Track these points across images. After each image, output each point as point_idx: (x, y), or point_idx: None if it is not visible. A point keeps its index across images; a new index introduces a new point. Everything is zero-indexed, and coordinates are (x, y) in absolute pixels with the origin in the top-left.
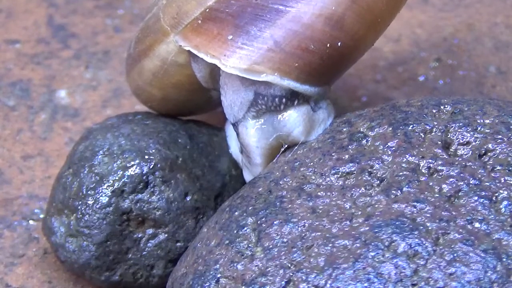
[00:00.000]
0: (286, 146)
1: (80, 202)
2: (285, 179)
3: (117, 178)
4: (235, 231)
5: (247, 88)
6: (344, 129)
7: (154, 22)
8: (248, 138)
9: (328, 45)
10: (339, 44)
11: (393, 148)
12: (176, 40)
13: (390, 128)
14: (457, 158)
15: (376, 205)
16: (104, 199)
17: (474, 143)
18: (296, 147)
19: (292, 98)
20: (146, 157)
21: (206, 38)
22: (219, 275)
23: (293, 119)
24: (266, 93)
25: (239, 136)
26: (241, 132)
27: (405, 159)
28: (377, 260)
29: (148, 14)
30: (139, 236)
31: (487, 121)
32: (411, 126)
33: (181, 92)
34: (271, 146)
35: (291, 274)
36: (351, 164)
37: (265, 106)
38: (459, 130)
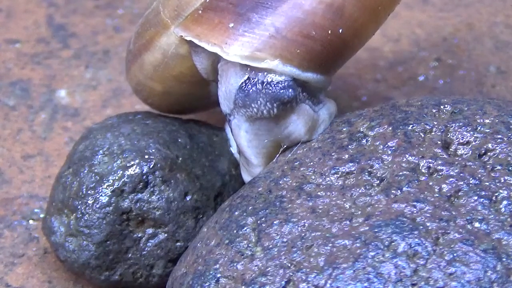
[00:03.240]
0: (285, 146)
1: (80, 202)
2: (285, 178)
3: (117, 177)
4: (235, 231)
5: (238, 74)
6: (344, 129)
7: (154, 16)
8: (240, 138)
9: (329, 31)
10: (340, 31)
11: (393, 148)
12: (177, 31)
13: (390, 128)
14: (457, 158)
15: (376, 205)
16: (104, 199)
17: (474, 143)
18: (296, 147)
19: (287, 102)
20: (146, 156)
21: (207, 27)
22: (219, 275)
23: (294, 122)
24: (265, 80)
25: (232, 132)
26: (234, 129)
27: (405, 159)
28: (377, 260)
29: (148, 9)
30: (139, 235)
31: (487, 120)
32: (411, 125)
33: (182, 85)
34: (267, 146)
35: (291, 274)
36: (351, 164)
37: (256, 110)
38: (459, 130)
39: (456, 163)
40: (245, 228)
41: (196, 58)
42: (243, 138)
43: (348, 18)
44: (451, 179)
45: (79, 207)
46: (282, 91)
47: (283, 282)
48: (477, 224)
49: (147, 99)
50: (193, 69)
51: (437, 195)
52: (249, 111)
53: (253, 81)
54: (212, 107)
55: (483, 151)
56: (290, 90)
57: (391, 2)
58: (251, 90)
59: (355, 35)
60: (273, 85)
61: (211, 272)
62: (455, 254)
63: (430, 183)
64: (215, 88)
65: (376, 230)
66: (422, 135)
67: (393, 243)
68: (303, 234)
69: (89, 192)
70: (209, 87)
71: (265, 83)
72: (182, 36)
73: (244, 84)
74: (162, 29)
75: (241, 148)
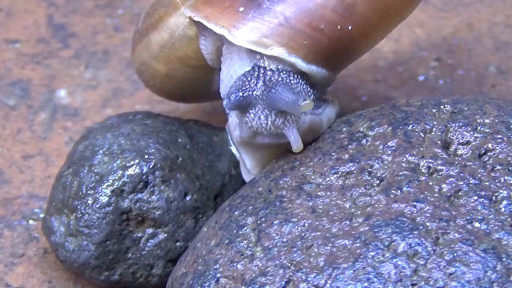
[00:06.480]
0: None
1: (79, 202)
2: (285, 178)
3: (116, 177)
4: (235, 231)
5: (243, 62)
6: (344, 129)
7: None
8: (228, 123)
9: (338, 27)
10: (349, 28)
11: (393, 148)
12: (186, 12)
13: (390, 128)
14: (457, 158)
15: (376, 205)
16: (103, 199)
17: (474, 143)
18: None
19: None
20: (146, 156)
21: (217, 9)
22: (219, 275)
23: (292, 132)
24: (266, 65)
25: (228, 122)
26: (227, 113)
27: (405, 159)
28: (377, 260)
29: None
30: (139, 235)
31: (487, 120)
32: (411, 125)
33: (186, 68)
34: (259, 145)
35: (291, 274)
36: (350, 164)
37: (253, 115)
38: (459, 129)
39: (456, 163)
40: (245, 228)
41: (202, 42)
42: (230, 124)
43: (359, 17)
44: (451, 179)
45: (79, 207)
46: (283, 97)
47: (283, 282)
48: (477, 224)
49: (149, 81)
50: (198, 53)
51: (437, 195)
52: (246, 115)
53: (252, 84)
54: (212, 99)
55: (483, 151)
56: (292, 96)
57: (404, 7)
58: (253, 95)
59: (364, 35)
60: (275, 91)
61: (211, 272)
62: (455, 254)
63: (430, 183)
64: (218, 77)
65: (376, 230)
66: (422, 135)
67: (393, 243)
68: (303, 234)
69: (89, 192)
70: (213, 76)
71: (264, 89)
72: (191, 16)
73: (243, 88)
74: (172, 10)
75: (229, 129)
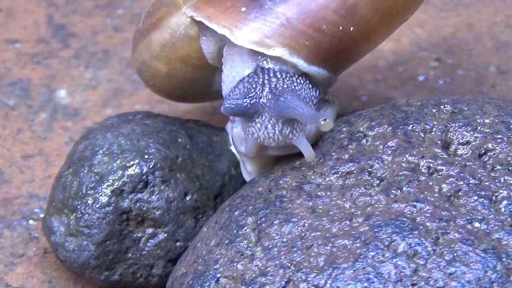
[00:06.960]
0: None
1: (79, 202)
2: (285, 178)
3: (116, 177)
4: (235, 231)
5: (245, 64)
6: (344, 129)
7: None
8: (237, 145)
9: (340, 28)
10: (351, 29)
11: (393, 148)
12: (188, 11)
13: (390, 128)
14: (457, 158)
15: (376, 205)
16: (103, 199)
17: (474, 143)
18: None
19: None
20: (146, 156)
21: (219, 9)
22: (219, 275)
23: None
24: (269, 66)
25: (232, 132)
26: (233, 129)
27: (405, 159)
28: (377, 260)
29: None
30: (139, 235)
31: (487, 120)
32: (411, 125)
33: (186, 68)
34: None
35: (291, 274)
36: (350, 164)
37: (260, 125)
38: (459, 129)
39: (456, 163)
40: (245, 228)
41: (204, 42)
42: (236, 138)
43: (361, 18)
44: (451, 179)
45: (79, 207)
46: (295, 106)
47: (283, 282)
48: (477, 224)
49: (150, 81)
50: (199, 53)
51: (437, 195)
52: (251, 125)
53: (258, 91)
54: (212, 99)
55: (483, 151)
56: (307, 109)
57: (406, 8)
58: (260, 102)
59: (365, 36)
60: (284, 99)
61: (211, 272)
62: (455, 254)
63: (430, 183)
64: (219, 77)
65: (376, 230)
66: (422, 135)
67: (393, 243)
68: (303, 234)
69: (89, 192)
70: (214, 76)
71: (272, 97)
72: (192, 16)
73: (249, 95)
74: (173, 9)
75: (234, 141)
